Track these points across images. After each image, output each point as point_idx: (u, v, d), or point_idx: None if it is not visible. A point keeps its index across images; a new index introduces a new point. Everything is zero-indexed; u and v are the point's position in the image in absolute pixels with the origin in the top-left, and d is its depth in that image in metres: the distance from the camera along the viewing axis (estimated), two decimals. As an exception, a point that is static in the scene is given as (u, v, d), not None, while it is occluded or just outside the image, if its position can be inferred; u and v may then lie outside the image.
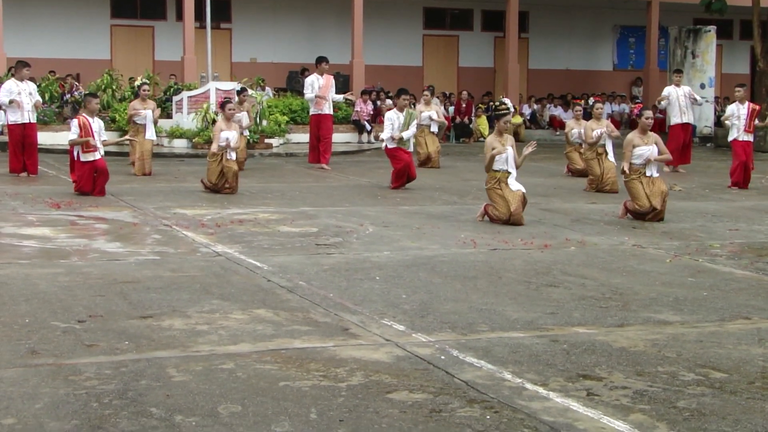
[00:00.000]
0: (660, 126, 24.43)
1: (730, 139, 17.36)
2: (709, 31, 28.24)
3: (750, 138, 17.16)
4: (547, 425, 5.04)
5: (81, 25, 29.29)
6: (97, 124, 14.67)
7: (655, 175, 12.84)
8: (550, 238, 11.04)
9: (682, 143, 19.84)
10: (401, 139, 15.80)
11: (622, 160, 13.06)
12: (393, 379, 5.76)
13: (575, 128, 18.53)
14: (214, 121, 18.73)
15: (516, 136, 26.68)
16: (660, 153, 12.97)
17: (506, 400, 5.41)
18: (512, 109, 13.49)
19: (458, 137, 28.34)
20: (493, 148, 12.31)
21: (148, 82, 19.24)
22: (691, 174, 19.29)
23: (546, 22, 34.14)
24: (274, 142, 23.52)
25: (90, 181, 14.20)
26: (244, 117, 18.03)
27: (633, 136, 13.10)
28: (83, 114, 14.82)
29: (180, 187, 15.66)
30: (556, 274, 9.01)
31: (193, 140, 22.48)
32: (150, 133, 17.53)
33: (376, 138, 16.29)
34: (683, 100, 20.22)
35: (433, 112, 20.21)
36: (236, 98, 19.33)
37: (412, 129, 16.25)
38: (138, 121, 17.56)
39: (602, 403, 5.39)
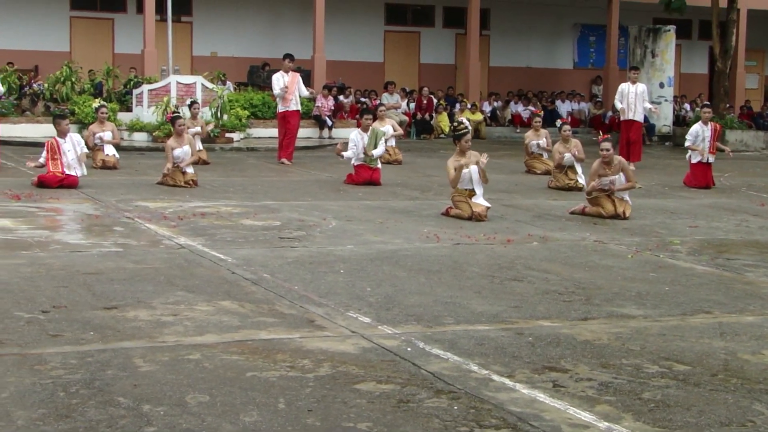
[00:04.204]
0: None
1: (694, 161, 17.09)
2: (669, 30, 28.45)
3: (713, 159, 17.12)
4: (514, 416, 5.07)
5: (40, 17, 29.00)
6: (69, 143, 14.36)
7: (627, 199, 12.88)
8: (512, 234, 11.09)
9: (625, 139, 20.26)
10: (371, 157, 15.67)
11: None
12: (360, 370, 5.78)
13: (533, 140, 18.62)
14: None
15: (477, 133, 26.79)
16: (627, 180, 12.87)
17: (473, 391, 5.44)
18: (470, 128, 13.38)
19: (419, 134, 28.38)
20: (454, 169, 12.23)
21: (106, 105, 18.86)
22: (651, 172, 19.45)
23: (507, 20, 34.26)
24: (235, 136, 23.44)
25: (54, 183, 14.01)
26: (197, 131, 18.05)
27: (597, 166, 12.85)
28: (54, 136, 14.58)
29: (141, 180, 15.57)
30: (519, 269, 9.05)
31: (154, 134, 22.36)
32: (110, 151, 17.47)
33: (338, 154, 16.10)
34: (632, 97, 20.51)
35: (388, 127, 19.84)
36: (188, 112, 19.26)
37: (381, 148, 16.07)
38: (96, 143, 17.49)
39: (568, 395, 5.43)
